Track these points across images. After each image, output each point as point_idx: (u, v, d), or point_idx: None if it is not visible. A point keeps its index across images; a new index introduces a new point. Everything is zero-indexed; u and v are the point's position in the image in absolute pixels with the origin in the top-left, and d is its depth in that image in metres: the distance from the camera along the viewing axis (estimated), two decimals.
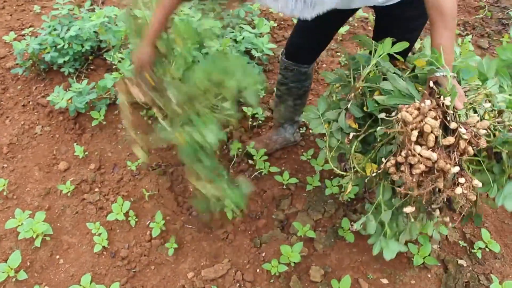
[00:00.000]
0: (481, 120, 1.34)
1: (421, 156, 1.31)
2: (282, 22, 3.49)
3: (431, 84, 1.38)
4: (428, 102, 1.33)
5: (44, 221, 2.18)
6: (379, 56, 1.53)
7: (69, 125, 2.67)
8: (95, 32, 2.89)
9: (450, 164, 1.29)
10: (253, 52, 2.87)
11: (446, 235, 2.20)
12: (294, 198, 2.34)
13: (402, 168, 1.35)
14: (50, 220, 2.26)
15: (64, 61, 2.84)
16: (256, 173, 2.40)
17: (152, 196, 2.33)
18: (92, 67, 3.00)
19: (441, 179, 1.33)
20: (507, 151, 1.41)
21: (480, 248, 2.15)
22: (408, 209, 1.46)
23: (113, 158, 2.53)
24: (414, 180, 1.35)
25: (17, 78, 2.95)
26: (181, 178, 2.42)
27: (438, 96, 1.35)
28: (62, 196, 2.37)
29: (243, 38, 2.89)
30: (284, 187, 2.37)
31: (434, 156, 1.29)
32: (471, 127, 1.30)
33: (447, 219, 1.57)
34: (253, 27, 3.08)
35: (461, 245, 2.18)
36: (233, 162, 2.45)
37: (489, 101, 1.45)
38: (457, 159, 1.30)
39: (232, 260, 2.12)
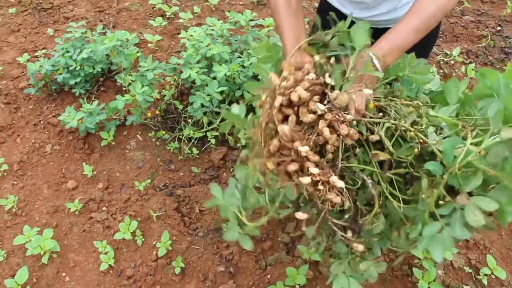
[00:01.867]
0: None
1: (275, 123, 1.11)
2: None
3: (332, 60, 1.22)
4: (312, 75, 1.15)
5: (51, 238, 2.20)
6: None
7: (78, 145, 2.71)
8: (106, 54, 2.96)
9: (300, 142, 1.08)
10: (260, 77, 2.92)
11: (451, 261, 2.20)
12: (299, 221, 2.35)
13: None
14: (57, 238, 2.28)
15: (76, 82, 2.91)
16: None
17: (159, 216, 2.36)
18: (102, 89, 3.06)
19: (293, 162, 1.11)
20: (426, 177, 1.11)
21: (485, 275, 2.16)
22: (299, 214, 1.21)
23: (121, 178, 2.56)
24: (268, 151, 1.14)
25: (29, 98, 3.01)
26: (188, 199, 2.44)
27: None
28: (70, 214, 2.39)
29: (250, 64, 2.95)
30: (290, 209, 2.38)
31: (284, 128, 1.08)
32: (334, 104, 1.11)
33: (360, 247, 1.22)
34: None
35: (466, 271, 2.18)
36: None
37: (418, 117, 1.19)
38: (311, 141, 1.09)
39: (238, 281, 2.13)
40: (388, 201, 1.20)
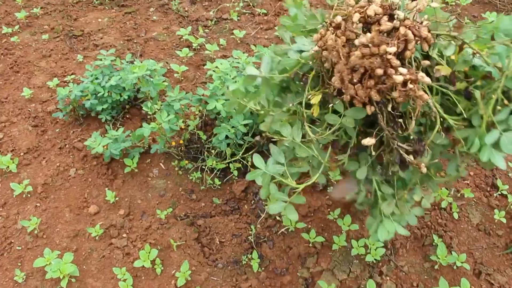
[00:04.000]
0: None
1: (358, 35, 1.18)
2: None
3: None
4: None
5: (71, 263, 2.21)
6: None
7: (102, 170, 2.75)
8: (134, 83, 3.03)
9: (386, 45, 1.15)
10: None
11: None
12: (319, 256, 2.34)
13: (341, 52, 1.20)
14: (76, 262, 2.29)
15: (103, 109, 2.97)
16: (282, 230, 2.42)
17: (179, 246, 2.36)
18: (127, 116, 3.12)
19: (380, 66, 1.17)
20: (481, 90, 1.22)
21: None
22: (368, 140, 1.27)
23: (142, 205, 2.58)
24: (349, 67, 1.20)
25: (56, 122, 3.08)
26: (209, 229, 2.44)
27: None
28: (90, 239, 2.41)
29: None
30: (310, 245, 2.37)
31: (365, 38, 1.16)
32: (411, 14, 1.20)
33: (423, 165, 1.30)
34: None
35: None
36: (261, 217, 2.48)
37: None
38: (395, 43, 1.16)
39: None
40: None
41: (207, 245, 2.38)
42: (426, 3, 1.20)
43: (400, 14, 1.17)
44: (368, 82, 1.19)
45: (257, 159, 1.46)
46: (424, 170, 1.30)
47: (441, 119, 1.28)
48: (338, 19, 1.23)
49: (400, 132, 1.29)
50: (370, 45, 1.16)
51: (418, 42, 1.19)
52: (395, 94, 1.18)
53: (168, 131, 2.54)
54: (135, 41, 3.89)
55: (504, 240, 2.45)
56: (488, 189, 2.70)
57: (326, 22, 1.30)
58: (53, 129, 3.03)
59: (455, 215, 2.53)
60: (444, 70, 1.22)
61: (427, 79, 1.15)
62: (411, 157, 1.29)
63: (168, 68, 3.49)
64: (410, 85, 1.15)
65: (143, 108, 2.96)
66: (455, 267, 2.30)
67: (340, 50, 1.20)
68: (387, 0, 1.23)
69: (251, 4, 4.41)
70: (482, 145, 1.18)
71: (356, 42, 1.18)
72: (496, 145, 1.17)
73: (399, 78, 1.14)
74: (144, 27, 4.08)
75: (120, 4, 4.43)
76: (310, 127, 1.40)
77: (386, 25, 1.17)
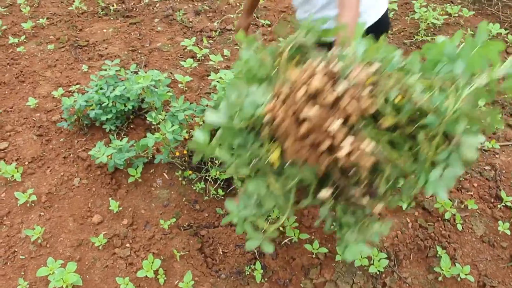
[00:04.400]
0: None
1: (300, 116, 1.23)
2: None
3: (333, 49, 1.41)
4: (322, 64, 1.28)
5: (74, 272, 2.21)
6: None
7: (106, 180, 2.76)
8: (138, 93, 3.05)
9: (329, 121, 1.20)
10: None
11: None
12: (323, 267, 2.33)
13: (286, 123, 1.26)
14: (79, 272, 2.29)
15: (107, 119, 2.98)
16: (286, 240, 2.42)
17: (182, 256, 2.36)
18: (132, 126, 3.13)
19: (326, 140, 1.22)
20: (423, 132, 1.32)
21: None
22: (323, 193, 1.34)
23: (146, 215, 2.59)
24: (296, 143, 1.26)
25: (61, 131, 3.09)
26: (212, 240, 2.44)
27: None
28: (93, 249, 2.41)
29: None
30: (314, 256, 2.37)
31: (311, 113, 1.20)
32: (353, 82, 1.25)
33: (377, 209, 1.40)
34: None
35: None
36: None
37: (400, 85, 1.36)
38: (339, 117, 1.21)
39: None
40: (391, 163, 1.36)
41: (210, 256, 2.38)
42: (366, 76, 1.26)
43: (341, 85, 1.22)
44: (316, 152, 1.25)
45: (229, 204, 1.56)
46: (378, 210, 1.39)
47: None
48: (284, 91, 1.28)
49: (352, 182, 1.37)
50: (313, 120, 1.21)
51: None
52: (341, 160, 1.23)
53: (172, 142, 2.55)
54: (139, 51, 3.92)
55: (508, 252, 2.44)
56: (492, 200, 2.70)
57: (274, 90, 1.36)
58: (58, 139, 3.05)
59: (459, 227, 2.53)
60: (388, 121, 1.30)
61: (371, 146, 1.22)
62: (366, 199, 1.38)
63: (173, 78, 3.51)
64: (354, 154, 1.21)
65: (148, 118, 2.98)
66: (459, 279, 2.29)
67: (289, 126, 1.26)
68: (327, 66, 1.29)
69: (255, 15, 4.44)
70: (427, 180, 1.32)
71: (301, 116, 1.22)
72: (439, 179, 1.30)
73: (343, 152, 1.20)
74: (149, 38, 4.11)
75: (125, 15, 4.47)
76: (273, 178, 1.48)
77: (329, 97, 1.21)
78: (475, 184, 2.79)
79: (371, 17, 2.04)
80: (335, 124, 1.18)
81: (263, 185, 1.50)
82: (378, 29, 1.97)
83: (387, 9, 2.12)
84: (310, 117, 1.19)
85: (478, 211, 2.63)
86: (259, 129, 1.48)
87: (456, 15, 4.46)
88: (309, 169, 1.40)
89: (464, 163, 1.28)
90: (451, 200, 2.63)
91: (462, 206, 2.65)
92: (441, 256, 2.37)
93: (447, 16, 4.37)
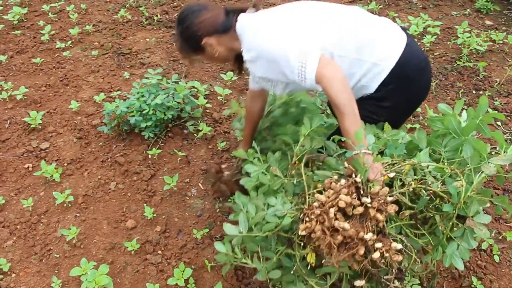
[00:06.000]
0: (403, 187, 1.50)
1: (336, 227, 1.39)
2: None
3: (346, 164, 1.52)
4: (343, 180, 1.46)
5: (106, 275, 2.23)
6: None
7: (141, 186, 2.79)
8: (178, 102, 3.09)
9: (363, 231, 1.37)
10: None
11: None
12: None
13: (322, 238, 1.42)
14: (111, 275, 2.30)
15: (146, 126, 3.03)
16: None
17: (213, 267, 2.36)
18: (169, 135, 3.17)
19: (361, 247, 1.38)
20: (437, 213, 1.50)
21: None
22: (358, 283, 1.46)
23: (179, 223, 2.60)
24: (335, 250, 1.41)
25: (100, 135, 3.16)
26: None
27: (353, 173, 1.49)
28: (126, 253, 2.43)
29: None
30: None
31: (346, 226, 1.37)
32: (377, 196, 1.41)
33: None
34: None
35: None
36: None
37: (414, 170, 1.55)
38: (370, 227, 1.38)
39: None
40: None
41: (240, 268, 2.37)
42: (380, 186, 1.43)
43: (366, 199, 1.38)
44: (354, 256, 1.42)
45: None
46: None
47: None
48: (317, 212, 1.44)
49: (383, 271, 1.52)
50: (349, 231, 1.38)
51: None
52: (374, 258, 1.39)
53: None
54: (180, 62, 3.99)
55: None
56: None
57: (303, 210, 1.52)
58: (97, 142, 3.11)
59: (496, 258, 2.45)
60: (408, 212, 1.49)
61: (399, 246, 1.39)
62: (396, 283, 1.53)
63: (212, 90, 3.55)
64: (386, 254, 1.38)
65: (187, 127, 3.02)
66: None
67: (328, 238, 1.41)
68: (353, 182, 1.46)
69: None
70: (444, 253, 1.50)
71: (336, 225, 1.38)
72: (456, 252, 1.48)
73: (376, 255, 1.36)
74: None
75: (168, 25, 4.57)
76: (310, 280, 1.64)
77: (357, 210, 1.39)
78: None
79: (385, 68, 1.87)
80: (368, 234, 1.36)
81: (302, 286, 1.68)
82: (404, 70, 1.85)
83: (407, 48, 1.87)
84: (345, 228, 1.37)
85: None
86: (279, 234, 1.65)
87: (501, 42, 4.39)
88: (346, 265, 1.54)
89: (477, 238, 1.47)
90: (488, 230, 2.55)
91: (500, 237, 2.57)
92: (476, 287, 2.30)
93: (491, 43, 4.30)
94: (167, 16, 4.73)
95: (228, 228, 1.62)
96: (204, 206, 2.69)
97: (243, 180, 1.83)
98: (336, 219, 1.40)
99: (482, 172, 1.43)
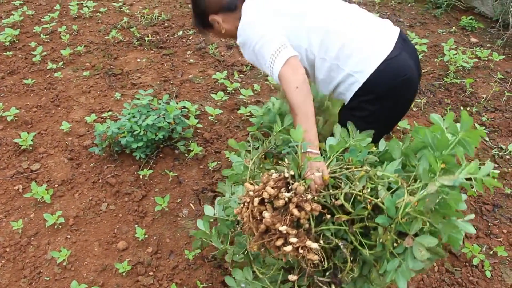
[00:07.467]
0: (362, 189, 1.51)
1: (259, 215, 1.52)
2: None
3: (286, 161, 1.67)
4: (274, 174, 1.58)
5: None
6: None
7: (133, 207, 2.79)
8: (169, 122, 3.11)
9: (279, 223, 1.46)
10: None
11: None
12: None
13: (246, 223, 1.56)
14: None
15: (137, 146, 3.03)
16: None
17: None
18: (161, 155, 3.18)
19: (280, 239, 1.48)
20: (381, 226, 1.44)
21: None
22: (291, 277, 1.57)
23: (170, 244, 2.60)
24: (256, 236, 1.53)
25: (91, 156, 3.16)
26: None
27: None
28: (117, 275, 2.42)
29: None
30: None
31: (266, 214, 1.48)
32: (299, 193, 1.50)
33: None
34: None
35: None
36: None
37: (369, 178, 1.56)
38: (287, 220, 1.46)
39: None
40: (360, 250, 1.53)
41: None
42: (302, 187, 1.50)
43: (286, 194, 1.49)
44: (274, 246, 1.51)
45: (229, 280, 1.88)
46: None
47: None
48: (246, 200, 1.58)
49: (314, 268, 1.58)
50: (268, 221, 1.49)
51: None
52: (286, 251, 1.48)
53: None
54: (171, 82, 4.01)
55: None
56: None
57: (239, 197, 1.72)
58: (88, 163, 3.11)
59: (488, 273, 2.47)
60: (344, 217, 1.52)
61: (314, 245, 1.45)
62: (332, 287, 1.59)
63: (202, 110, 3.57)
64: (300, 250, 1.45)
65: (179, 147, 3.03)
66: None
67: (252, 224, 1.55)
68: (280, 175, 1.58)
69: None
70: (386, 270, 1.43)
71: (256, 213, 1.52)
72: (398, 270, 1.40)
73: (288, 249, 1.44)
74: (181, 69, 4.21)
75: (159, 46, 4.60)
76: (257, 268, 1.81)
77: (278, 203, 1.49)
78: (505, 231, 2.74)
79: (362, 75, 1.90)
80: (282, 228, 1.45)
81: (250, 275, 1.83)
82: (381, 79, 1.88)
83: (389, 62, 1.87)
84: (264, 217, 1.49)
85: (508, 258, 2.57)
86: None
87: (486, 59, 4.47)
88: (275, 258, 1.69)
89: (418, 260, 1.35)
90: (479, 246, 2.57)
91: (491, 252, 2.59)
92: None
93: (476, 60, 4.37)
94: (158, 37, 4.77)
95: (207, 209, 1.94)
96: (196, 226, 2.69)
97: (225, 170, 2.00)
98: (266, 209, 1.51)
99: (425, 189, 1.32)
